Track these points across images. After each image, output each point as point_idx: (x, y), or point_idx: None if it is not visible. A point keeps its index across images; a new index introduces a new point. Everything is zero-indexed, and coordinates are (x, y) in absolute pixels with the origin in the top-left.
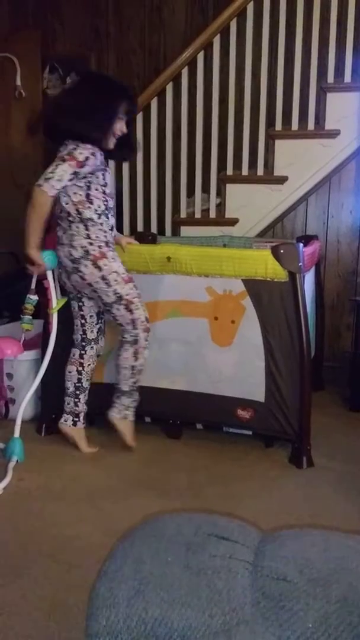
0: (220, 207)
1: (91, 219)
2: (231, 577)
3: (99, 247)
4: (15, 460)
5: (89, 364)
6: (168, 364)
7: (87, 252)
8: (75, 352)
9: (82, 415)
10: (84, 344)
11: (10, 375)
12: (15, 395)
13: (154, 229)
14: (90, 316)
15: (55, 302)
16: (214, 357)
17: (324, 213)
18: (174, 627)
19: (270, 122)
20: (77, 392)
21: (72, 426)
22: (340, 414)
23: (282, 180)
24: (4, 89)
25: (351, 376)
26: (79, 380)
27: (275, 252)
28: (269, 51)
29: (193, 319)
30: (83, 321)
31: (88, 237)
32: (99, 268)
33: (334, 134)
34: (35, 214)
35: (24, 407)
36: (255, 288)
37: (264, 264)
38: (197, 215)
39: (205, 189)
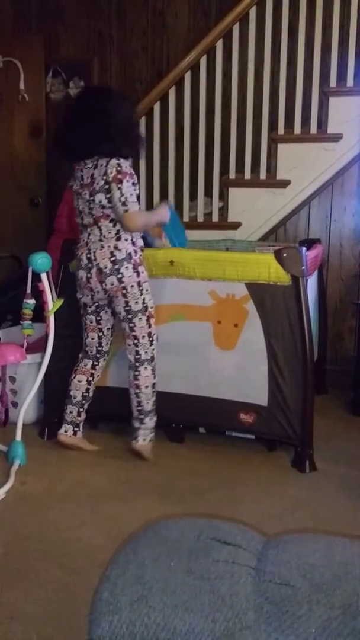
0: (223, 210)
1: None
2: (234, 582)
3: (140, 254)
4: (17, 463)
5: (98, 375)
6: (171, 367)
7: (130, 256)
8: (88, 362)
9: (82, 424)
10: (98, 355)
11: (13, 379)
12: (18, 399)
13: None
14: (107, 329)
15: (52, 304)
16: (217, 360)
17: (326, 217)
18: (177, 632)
19: (273, 125)
20: (83, 402)
21: (73, 436)
22: (344, 418)
23: (284, 184)
24: (7, 93)
25: (355, 380)
26: (87, 390)
27: (278, 256)
28: (271, 55)
29: (196, 323)
30: (100, 334)
31: (133, 243)
32: (138, 273)
33: (336, 138)
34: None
35: (24, 410)
36: (258, 292)
37: (267, 268)
38: (200, 218)
39: (208, 192)
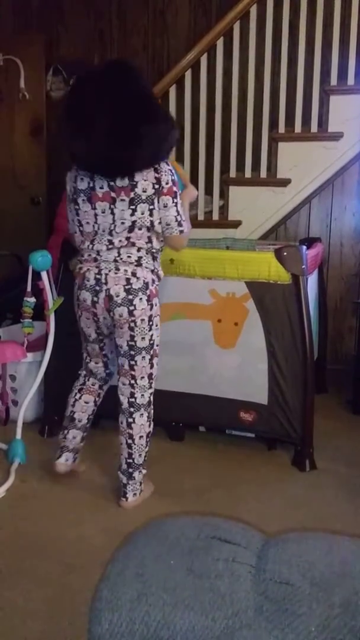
0: (223, 209)
1: (159, 250)
2: (234, 581)
3: (157, 284)
4: (17, 462)
5: (103, 394)
6: (171, 366)
7: (147, 285)
8: (96, 383)
9: (81, 451)
10: (107, 378)
11: (13, 377)
12: (18, 397)
13: None
14: (111, 352)
15: (52, 303)
16: (217, 359)
17: (327, 216)
18: (177, 630)
19: (273, 124)
20: (88, 425)
21: (72, 462)
22: (344, 417)
23: (285, 182)
24: (8, 92)
25: (355, 379)
26: (93, 412)
27: (278, 254)
28: (272, 54)
29: (196, 322)
30: (106, 359)
31: (154, 271)
32: (151, 306)
33: (337, 137)
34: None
35: (24, 409)
36: (259, 290)
37: (267, 267)
38: (200, 217)
39: (208, 191)
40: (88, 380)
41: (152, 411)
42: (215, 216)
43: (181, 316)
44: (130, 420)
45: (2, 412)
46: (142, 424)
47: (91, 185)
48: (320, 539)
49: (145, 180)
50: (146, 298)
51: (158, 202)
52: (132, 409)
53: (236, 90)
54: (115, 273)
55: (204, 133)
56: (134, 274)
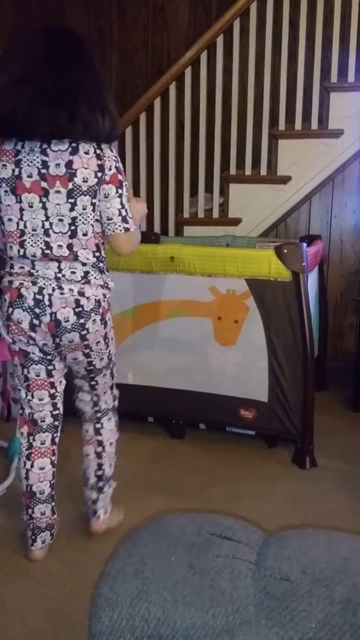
0: (224, 206)
1: (106, 258)
2: (234, 577)
3: (109, 296)
4: (17, 459)
5: (57, 450)
6: (171, 363)
7: (99, 303)
8: (46, 438)
9: (56, 526)
10: (56, 423)
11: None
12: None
13: (157, 228)
14: (60, 382)
15: None
16: (217, 357)
17: (327, 213)
18: (177, 627)
19: (274, 121)
20: (53, 493)
21: (51, 540)
22: (344, 415)
23: (285, 180)
24: None
25: (355, 376)
26: (54, 475)
27: (278, 251)
28: (272, 51)
29: (196, 319)
30: (53, 391)
31: (105, 285)
32: (105, 324)
33: (337, 134)
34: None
35: None
36: (259, 288)
37: (268, 264)
38: (200, 215)
39: (209, 188)
40: (33, 439)
41: (117, 418)
42: (216, 214)
43: (181, 313)
44: (99, 425)
45: (4, 408)
46: (111, 428)
47: (16, 172)
48: (320, 536)
49: (85, 168)
50: (99, 318)
51: (100, 194)
52: (98, 415)
53: (236, 87)
54: (61, 293)
55: (204, 130)
56: (82, 294)
